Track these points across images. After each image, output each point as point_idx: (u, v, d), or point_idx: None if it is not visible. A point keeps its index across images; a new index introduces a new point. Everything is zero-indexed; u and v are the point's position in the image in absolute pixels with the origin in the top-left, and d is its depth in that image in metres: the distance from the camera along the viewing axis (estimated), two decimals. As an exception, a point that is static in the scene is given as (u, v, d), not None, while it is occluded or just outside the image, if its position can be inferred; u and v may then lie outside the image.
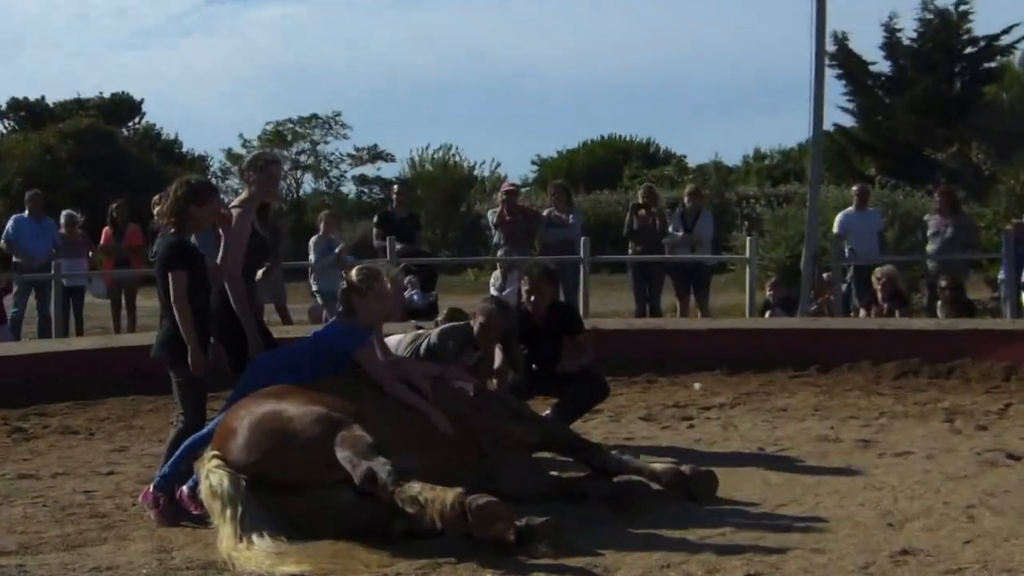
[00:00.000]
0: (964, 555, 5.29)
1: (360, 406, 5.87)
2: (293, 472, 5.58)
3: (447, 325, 7.46)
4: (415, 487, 5.25)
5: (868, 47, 44.46)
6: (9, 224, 15.66)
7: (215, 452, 5.73)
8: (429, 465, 5.68)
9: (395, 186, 19.09)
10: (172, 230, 6.44)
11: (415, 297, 14.09)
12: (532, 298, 8.02)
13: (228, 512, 5.47)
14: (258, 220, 7.20)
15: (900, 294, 14.20)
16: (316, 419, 5.64)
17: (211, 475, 5.62)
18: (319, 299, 15.43)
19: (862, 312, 14.22)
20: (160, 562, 5.45)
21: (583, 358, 8.00)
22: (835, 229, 15.18)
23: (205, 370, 6.41)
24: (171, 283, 6.34)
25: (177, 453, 6.34)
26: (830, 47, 30.02)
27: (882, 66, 35.58)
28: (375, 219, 16.21)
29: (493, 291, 15.04)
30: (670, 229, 15.13)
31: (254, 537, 5.34)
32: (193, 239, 6.63)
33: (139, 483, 6.93)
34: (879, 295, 13.87)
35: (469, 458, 6.20)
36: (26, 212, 15.61)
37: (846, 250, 14.87)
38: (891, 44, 35.16)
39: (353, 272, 6.40)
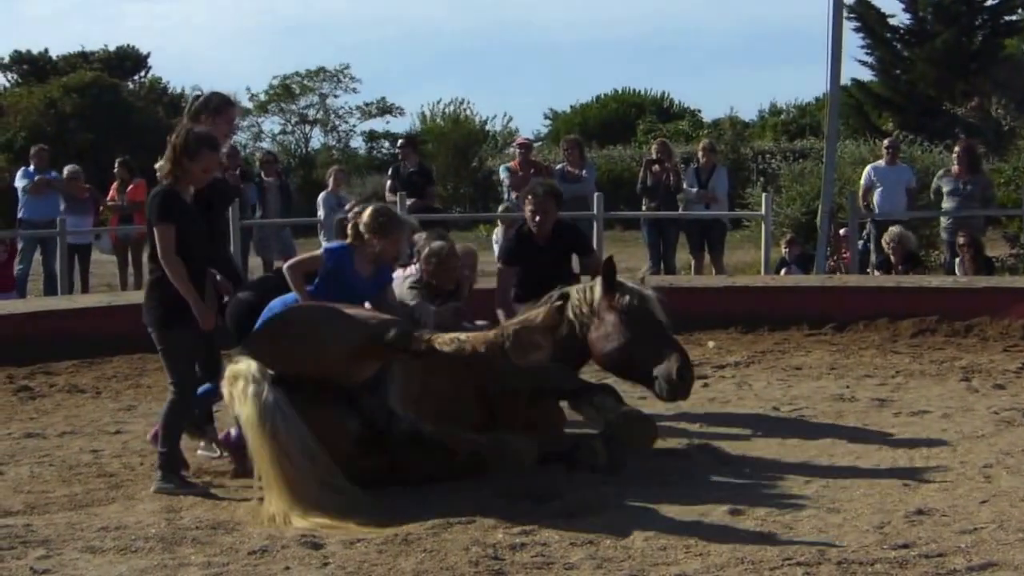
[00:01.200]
0: (980, 515, 5.24)
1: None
2: (319, 363, 5.63)
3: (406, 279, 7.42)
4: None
5: (887, -1, 44.08)
6: (18, 177, 15.65)
7: (242, 349, 5.72)
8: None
9: (399, 141, 18.97)
10: (166, 181, 6.11)
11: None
12: (537, 219, 7.78)
13: (251, 389, 5.39)
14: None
15: (913, 255, 14.06)
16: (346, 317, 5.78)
17: (239, 362, 5.56)
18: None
19: (876, 274, 14.08)
20: (168, 522, 5.43)
21: None
22: (863, 181, 14.98)
23: (213, 321, 6.12)
24: (157, 236, 5.96)
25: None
26: (848, -1, 29.64)
27: (901, 18, 35.15)
28: (388, 172, 16.19)
29: (496, 247, 14.97)
30: (684, 185, 14.99)
31: (280, 428, 5.33)
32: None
33: (146, 442, 6.87)
34: (892, 259, 13.73)
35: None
36: (32, 167, 15.56)
37: (875, 204, 14.68)
38: (911, -4, 34.72)
39: (374, 212, 6.46)
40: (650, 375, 6.36)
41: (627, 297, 6.53)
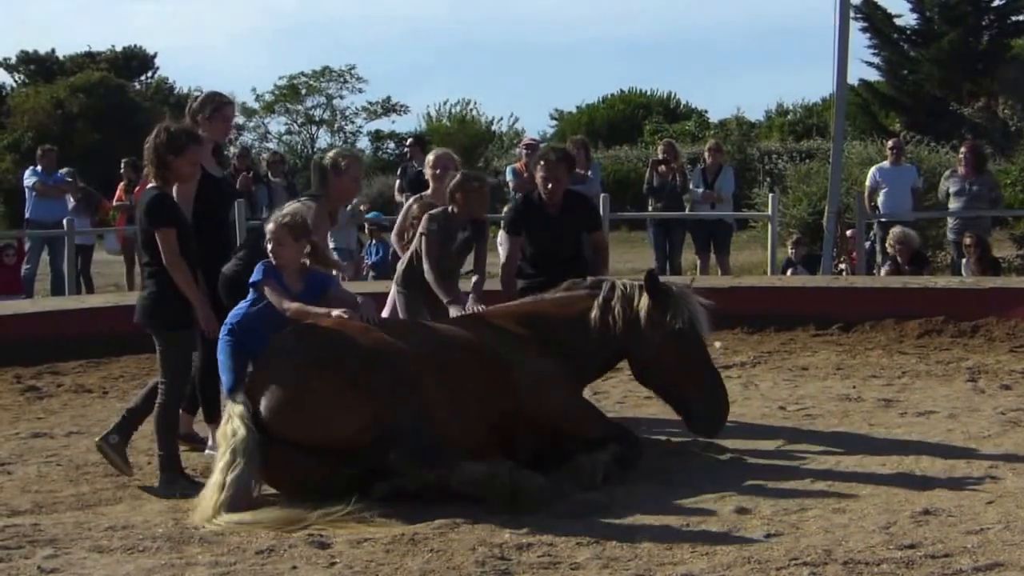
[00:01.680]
0: (986, 515, 5.24)
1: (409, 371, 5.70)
2: (317, 448, 5.48)
3: (430, 212, 7.26)
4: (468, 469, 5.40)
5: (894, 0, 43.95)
6: (26, 176, 15.69)
7: (243, 400, 5.56)
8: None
9: (407, 140, 19.01)
10: (153, 184, 6.06)
11: None
12: (549, 185, 7.42)
13: (224, 461, 5.38)
14: (215, 162, 7.00)
15: (920, 255, 14.04)
16: (352, 411, 5.48)
17: (232, 421, 5.49)
18: (335, 256, 15.35)
19: (883, 272, 14.06)
20: (175, 521, 5.44)
21: (599, 270, 7.43)
22: (867, 182, 14.96)
23: (217, 326, 6.05)
24: (160, 242, 5.93)
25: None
26: (855, -1, 29.60)
27: (908, 19, 35.11)
28: (397, 172, 16.23)
29: (501, 249, 14.96)
30: (691, 185, 14.98)
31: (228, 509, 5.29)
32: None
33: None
34: (899, 260, 13.70)
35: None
36: (39, 168, 15.59)
37: (880, 204, 14.65)
38: (918, -4, 34.67)
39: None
40: (684, 402, 6.28)
41: (678, 319, 6.26)
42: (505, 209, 14.86)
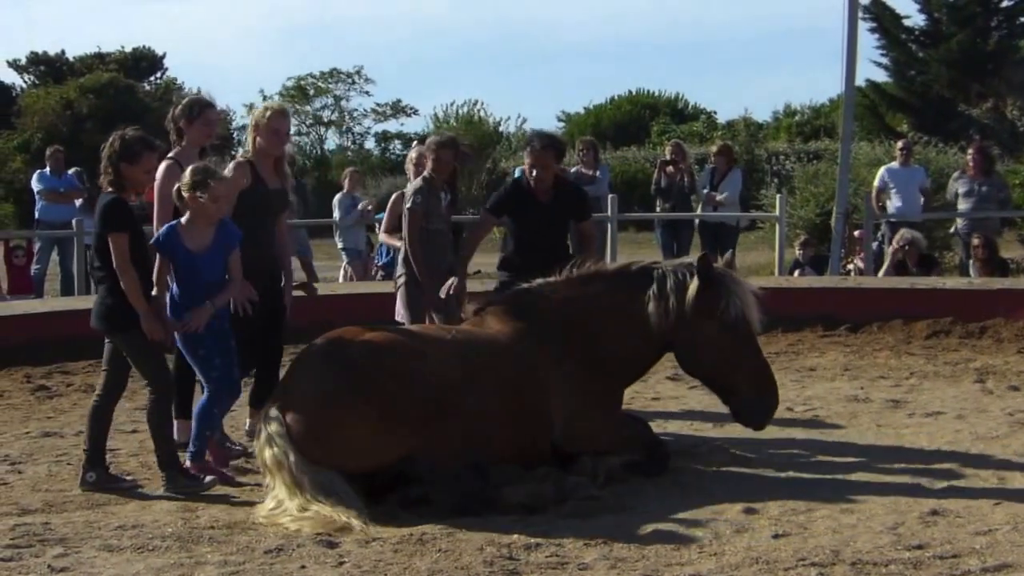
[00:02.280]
0: (995, 516, 5.25)
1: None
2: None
3: (411, 187, 7.55)
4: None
5: (902, 0, 43.87)
6: (34, 180, 15.72)
7: (277, 414, 5.56)
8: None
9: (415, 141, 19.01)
10: (110, 189, 6.03)
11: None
12: (534, 172, 7.19)
13: (280, 477, 5.43)
14: None
15: (927, 257, 14.01)
16: (384, 443, 5.49)
17: (269, 440, 5.51)
18: (345, 256, 15.40)
19: (881, 274, 14.02)
20: (185, 521, 5.46)
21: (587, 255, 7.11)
22: (876, 183, 14.93)
23: (164, 333, 6.04)
24: (112, 246, 5.90)
25: (195, 424, 6.18)
26: (863, 0, 29.54)
27: (916, 19, 35.05)
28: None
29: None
30: (698, 186, 14.98)
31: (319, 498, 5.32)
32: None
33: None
34: (907, 262, 13.67)
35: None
36: (47, 170, 15.64)
37: (889, 205, 14.62)
38: (926, -3, 34.61)
39: (191, 170, 6.19)
40: (732, 391, 6.09)
41: (731, 308, 6.01)
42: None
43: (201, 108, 7.00)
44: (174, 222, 6.24)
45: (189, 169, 6.21)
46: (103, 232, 5.99)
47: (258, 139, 6.85)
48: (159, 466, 6.07)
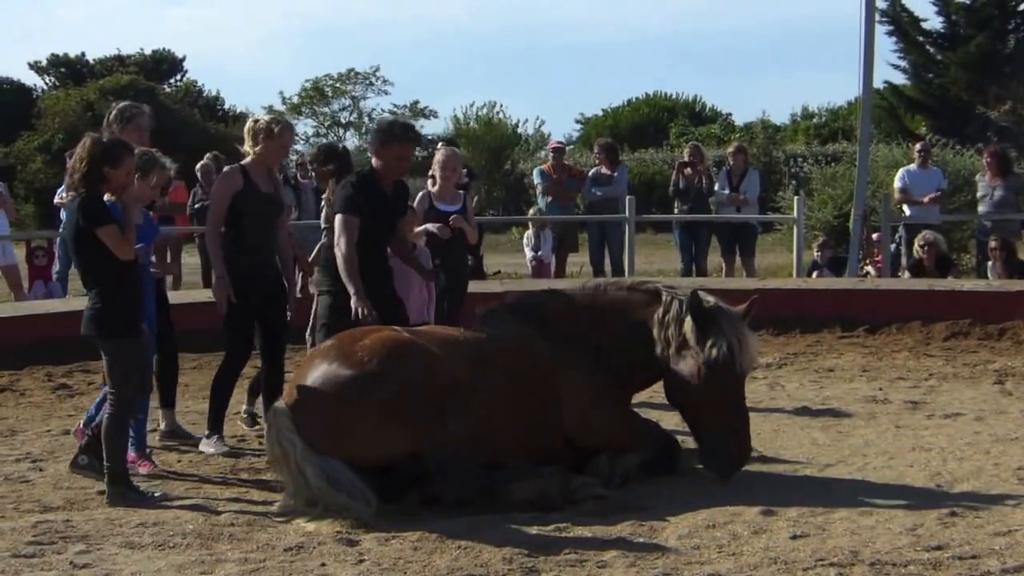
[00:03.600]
0: (1014, 517, 5.24)
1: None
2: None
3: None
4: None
5: (920, 3, 43.70)
6: (57, 195, 15.77)
7: (285, 410, 5.60)
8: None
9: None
10: (82, 190, 5.92)
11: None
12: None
13: (288, 468, 5.49)
14: None
15: (946, 258, 13.97)
16: (392, 441, 5.52)
17: (279, 436, 5.55)
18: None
19: (906, 275, 13.99)
20: (206, 518, 5.49)
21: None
22: (896, 184, 14.88)
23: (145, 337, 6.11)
24: (105, 239, 5.83)
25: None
26: (881, 3, 29.46)
27: (934, 22, 34.92)
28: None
29: (528, 251, 15.05)
30: (716, 188, 14.97)
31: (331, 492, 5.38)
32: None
33: (161, 440, 7.24)
34: (925, 262, 13.63)
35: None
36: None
37: (905, 208, 14.58)
38: (944, 0, 34.49)
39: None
40: (703, 436, 5.96)
41: (715, 350, 5.84)
42: (531, 211, 14.91)
43: (131, 114, 7.19)
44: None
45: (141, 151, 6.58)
46: (88, 228, 5.87)
47: (259, 148, 7.04)
48: (107, 480, 5.91)
